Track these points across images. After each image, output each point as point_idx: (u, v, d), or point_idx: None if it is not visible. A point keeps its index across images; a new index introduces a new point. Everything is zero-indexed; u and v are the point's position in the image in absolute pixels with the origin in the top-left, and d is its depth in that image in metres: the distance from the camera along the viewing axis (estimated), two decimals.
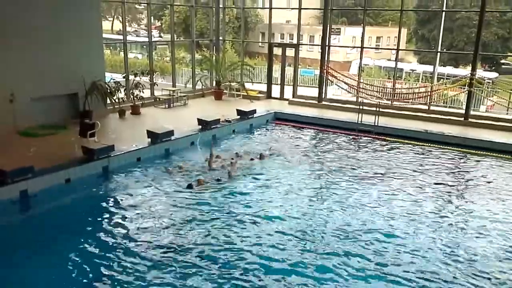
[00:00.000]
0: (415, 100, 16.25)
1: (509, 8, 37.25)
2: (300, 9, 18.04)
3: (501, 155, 12.21)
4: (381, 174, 10.82)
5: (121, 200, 9.02)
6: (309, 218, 8.29)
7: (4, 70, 11.86)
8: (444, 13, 16.23)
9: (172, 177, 10.05)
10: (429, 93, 16.03)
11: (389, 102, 16.29)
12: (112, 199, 9.14)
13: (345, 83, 17.60)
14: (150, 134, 11.77)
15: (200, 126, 13.27)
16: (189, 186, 9.45)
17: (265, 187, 9.78)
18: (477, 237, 7.85)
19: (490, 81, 19.52)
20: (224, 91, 18.76)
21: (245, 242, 7.31)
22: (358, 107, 14.68)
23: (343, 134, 14.15)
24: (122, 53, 18.16)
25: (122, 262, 6.74)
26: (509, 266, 6.91)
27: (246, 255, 6.92)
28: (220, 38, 20.05)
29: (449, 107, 18.11)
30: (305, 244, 7.32)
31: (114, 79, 15.12)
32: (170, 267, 6.60)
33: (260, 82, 22.14)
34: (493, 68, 38.85)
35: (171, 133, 12.00)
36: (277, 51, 19.78)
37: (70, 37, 13.35)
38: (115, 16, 45.55)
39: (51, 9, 12.90)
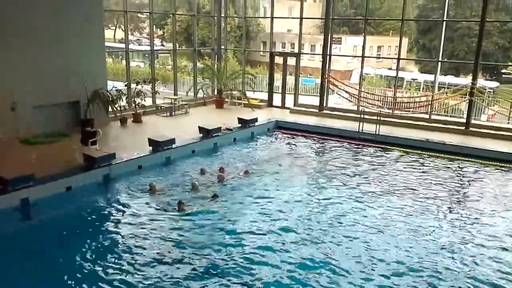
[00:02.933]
0: (416, 109, 16.27)
1: (510, 18, 37.47)
2: (301, 18, 18.13)
3: (503, 164, 12.19)
4: (382, 183, 10.79)
5: (122, 208, 8.99)
6: (311, 243, 7.73)
7: (6, 79, 11.93)
8: (444, 23, 16.29)
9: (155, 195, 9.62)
10: (430, 102, 16.05)
11: (390, 111, 16.30)
12: (112, 208, 9.09)
13: (346, 92, 17.65)
14: (151, 142, 11.78)
15: (202, 135, 13.29)
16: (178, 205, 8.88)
17: (261, 210, 8.98)
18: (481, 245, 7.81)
19: (491, 90, 19.54)
20: (226, 100, 18.81)
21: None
22: (359, 115, 14.70)
23: (344, 143, 14.15)
24: (124, 62, 18.23)
25: (120, 272, 6.70)
26: None
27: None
28: (222, 47, 20.16)
29: (450, 116, 18.12)
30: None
31: (116, 87, 15.18)
32: (165, 280, 6.53)
33: (261, 91, 22.19)
34: (494, 77, 38.91)
35: (172, 141, 12.01)
36: (279, 60, 19.85)
37: (73, 46, 13.42)
38: (117, 25, 45.81)
39: (56, 19, 12.98)
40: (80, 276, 6.59)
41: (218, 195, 9.35)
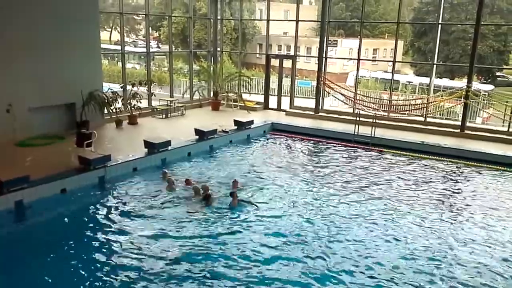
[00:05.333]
0: (411, 111, 16.34)
1: (504, 22, 37.74)
2: (297, 21, 18.17)
3: (497, 167, 12.25)
4: (376, 185, 10.81)
5: (117, 210, 8.94)
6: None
7: (1, 81, 11.86)
8: (440, 26, 16.36)
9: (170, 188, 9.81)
10: (425, 105, 16.12)
11: (386, 114, 16.35)
12: (108, 210, 9.05)
13: (341, 94, 17.70)
14: (147, 144, 11.76)
15: (197, 137, 13.28)
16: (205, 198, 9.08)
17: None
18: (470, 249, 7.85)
19: (486, 93, 19.62)
20: (222, 102, 18.81)
21: None
22: (354, 118, 14.74)
23: (339, 145, 14.16)
24: (120, 63, 18.21)
25: (115, 275, 6.67)
26: None
27: None
28: (218, 49, 20.16)
29: (446, 118, 18.18)
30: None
31: (111, 89, 15.15)
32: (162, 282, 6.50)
33: (257, 93, 22.22)
34: (489, 80, 39.17)
35: (168, 143, 11.99)
36: (275, 62, 19.88)
37: (69, 47, 13.35)
38: (113, 27, 45.75)
39: (52, 21, 12.93)
40: (71, 280, 6.53)
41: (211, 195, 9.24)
